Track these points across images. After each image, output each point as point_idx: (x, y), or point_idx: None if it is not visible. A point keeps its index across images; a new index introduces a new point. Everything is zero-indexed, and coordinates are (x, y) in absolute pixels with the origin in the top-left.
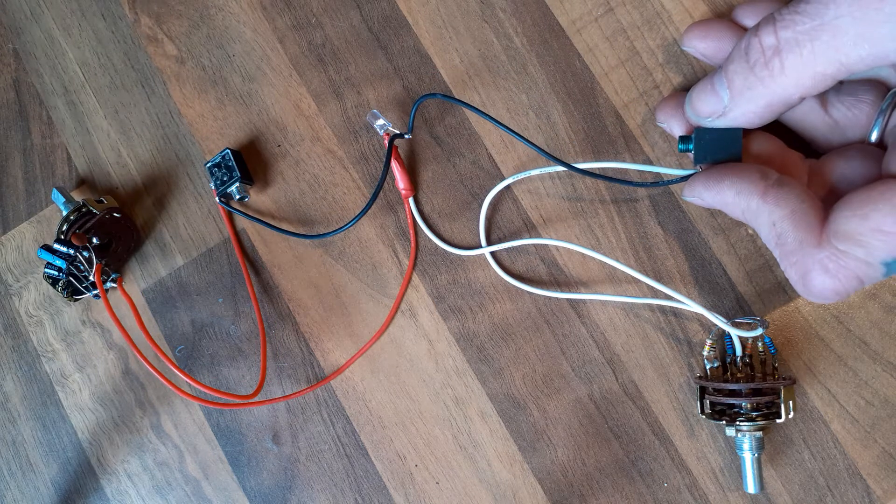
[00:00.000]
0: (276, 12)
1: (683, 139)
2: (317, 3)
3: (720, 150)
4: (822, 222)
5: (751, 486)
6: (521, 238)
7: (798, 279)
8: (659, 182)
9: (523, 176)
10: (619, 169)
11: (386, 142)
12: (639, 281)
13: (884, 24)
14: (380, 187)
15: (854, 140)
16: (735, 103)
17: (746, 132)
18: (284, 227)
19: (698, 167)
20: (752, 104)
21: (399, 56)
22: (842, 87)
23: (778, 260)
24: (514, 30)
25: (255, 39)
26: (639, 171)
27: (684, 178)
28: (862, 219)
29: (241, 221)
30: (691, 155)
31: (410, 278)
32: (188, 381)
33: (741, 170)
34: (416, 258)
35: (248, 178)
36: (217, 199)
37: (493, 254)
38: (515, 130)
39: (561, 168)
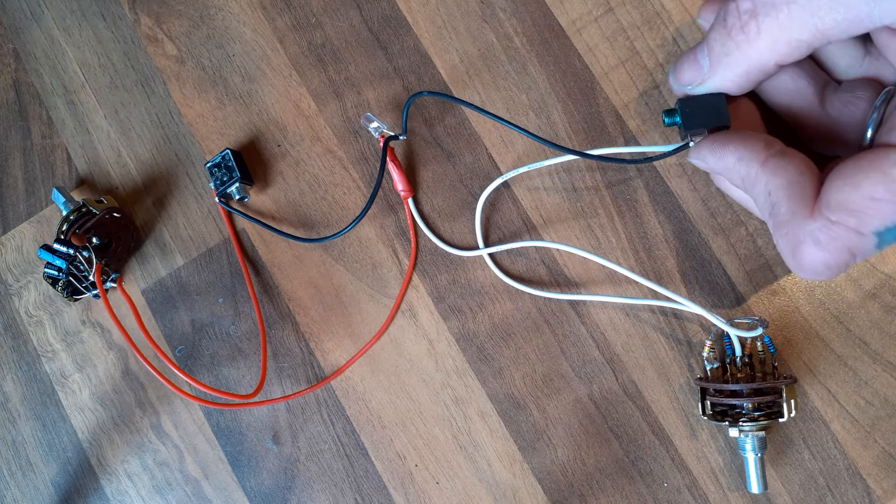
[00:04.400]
0: (276, 12)
1: (668, 112)
2: (317, 3)
3: (707, 117)
4: (816, 195)
5: (755, 486)
6: (521, 238)
7: (789, 252)
8: (663, 154)
9: (516, 173)
10: (614, 154)
11: (381, 144)
12: (639, 282)
13: None
14: (375, 191)
15: (849, 137)
16: (713, 70)
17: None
18: (284, 227)
19: (689, 139)
20: (729, 71)
21: (399, 56)
22: (840, 85)
23: (771, 231)
24: (514, 30)
25: (255, 39)
26: (631, 154)
27: (678, 150)
28: (853, 187)
29: (242, 221)
30: (679, 129)
31: (410, 278)
32: (188, 380)
33: (746, 136)
34: (416, 258)
35: (247, 179)
36: (217, 199)
37: (493, 254)
38: (508, 120)
39: (550, 162)
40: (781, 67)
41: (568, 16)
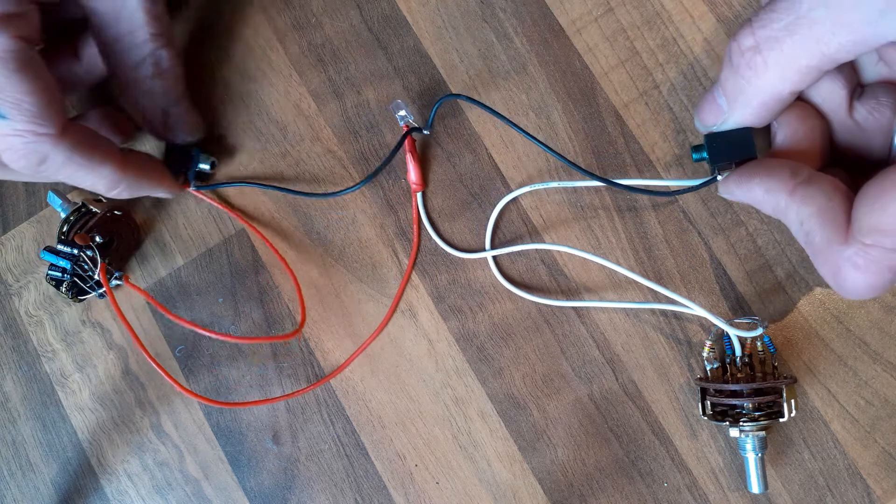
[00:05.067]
0: (276, 12)
1: (696, 148)
2: (317, 3)
3: (734, 151)
4: (849, 218)
5: (755, 486)
6: (522, 240)
7: (830, 277)
8: (690, 188)
9: (537, 187)
10: (640, 185)
11: (404, 131)
12: (639, 282)
13: (856, 9)
14: (386, 162)
15: (876, 144)
16: (732, 108)
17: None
18: (283, 225)
19: (717, 173)
20: (747, 107)
21: (399, 56)
22: (864, 91)
23: (811, 258)
24: (514, 30)
25: (254, 39)
26: (653, 186)
27: (705, 185)
28: (882, 210)
29: (242, 222)
30: (707, 164)
31: (411, 274)
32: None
33: (771, 167)
34: (417, 254)
35: (202, 148)
36: (193, 186)
37: (494, 256)
38: (539, 139)
39: (575, 184)
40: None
41: (568, 16)
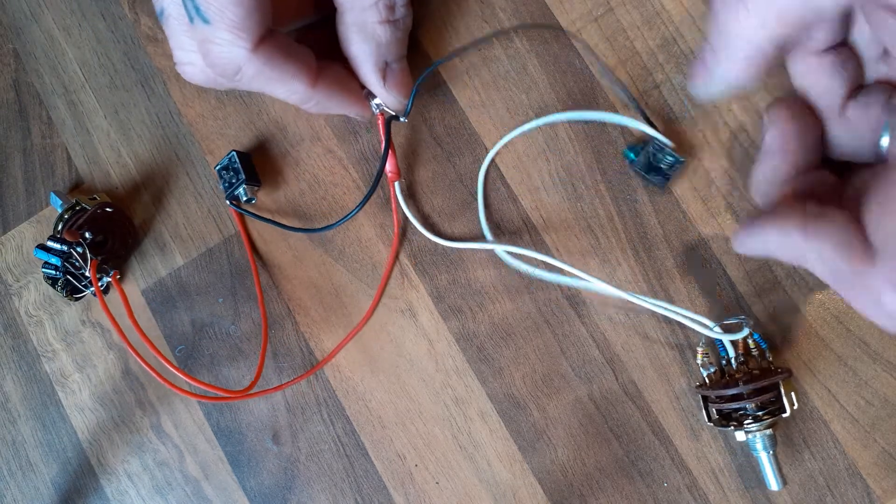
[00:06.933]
0: None
1: (631, 149)
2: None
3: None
4: (865, 239)
5: (773, 484)
6: (522, 239)
7: (872, 305)
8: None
9: (506, 140)
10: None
11: (381, 122)
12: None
13: None
14: (382, 167)
15: (864, 142)
16: (716, 61)
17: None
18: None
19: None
20: (731, 61)
21: None
22: (858, 90)
23: (844, 298)
24: (514, 30)
25: None
26: (621, 126)
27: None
28: None
29: (240, 223)
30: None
31: (396, 258)
32: (181, 375)
33: (778, 210)
34: (400, 242)
35: (254, 180)
36: (227, 201)
37: (489, 252)
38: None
39: (536, 123)
40: (789, 53)
41: (568, 16)
